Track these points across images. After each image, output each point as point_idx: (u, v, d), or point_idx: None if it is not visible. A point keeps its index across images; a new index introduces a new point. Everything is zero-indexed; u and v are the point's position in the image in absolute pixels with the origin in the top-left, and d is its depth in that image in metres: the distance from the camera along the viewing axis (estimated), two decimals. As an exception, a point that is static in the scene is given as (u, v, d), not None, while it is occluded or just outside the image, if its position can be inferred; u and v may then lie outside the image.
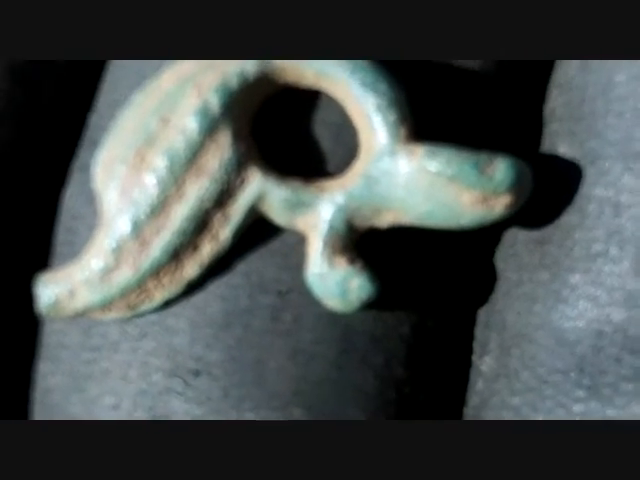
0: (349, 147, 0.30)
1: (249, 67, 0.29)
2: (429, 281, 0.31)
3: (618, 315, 0.29)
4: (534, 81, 0.31)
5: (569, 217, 0.30)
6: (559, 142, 0.30)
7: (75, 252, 0.30)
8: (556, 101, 0.31)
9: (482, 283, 0.31)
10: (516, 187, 0.29)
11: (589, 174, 0.30)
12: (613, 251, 0.29)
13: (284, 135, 0.30)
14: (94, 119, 0.31)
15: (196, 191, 0.29)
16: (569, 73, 0.31)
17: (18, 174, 0.31)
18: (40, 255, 0.31)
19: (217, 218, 0.29)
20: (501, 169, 0.29)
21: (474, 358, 0.31)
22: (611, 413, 0.28)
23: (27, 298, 0.30)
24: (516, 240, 0.31)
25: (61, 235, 0.31)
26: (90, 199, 0.30)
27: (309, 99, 0.30)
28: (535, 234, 0.31)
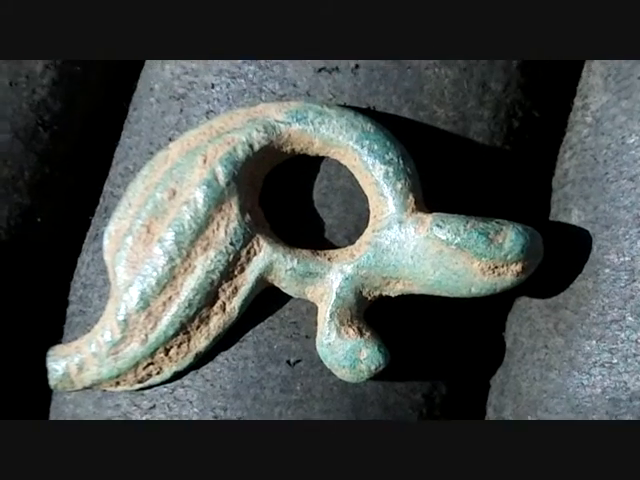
0: (359, 214, 0.30)
1: (255, 136, 0.29)
2: (441, 348, 0.30)
3: (635, 383, 0.29)
4: (544, 144, 0.31)
5: (584, 282, 0.29)
6: (572, 205, 0.30)
7: (87, 322, 0.30)
8: (568, 163, 0.30)
9: (496, 349, 0.31)
10: (527, 255, 0.28)
11: (603, 239, 0.29)
12: (629, 318, 0.29)
13: (293, 203, 0.30)
14: (107, 187, 0.31)
15: (203, 263, 0.29)
16: (581, 134, 0.30)
17: (35, 245, 0.32)
18: (54, 323, 0.31)
19: (225, 290, 0.29)
20: (511, 237, 0.28)
21: (489, 425, 0.31)
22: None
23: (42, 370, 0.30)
24: (530, 305, 0.30)
25: (74, 305, 0.31)
26: (102, 268, 0.30)
27: (317, 166, 0.30)
28: (549, 299, 0.30)
